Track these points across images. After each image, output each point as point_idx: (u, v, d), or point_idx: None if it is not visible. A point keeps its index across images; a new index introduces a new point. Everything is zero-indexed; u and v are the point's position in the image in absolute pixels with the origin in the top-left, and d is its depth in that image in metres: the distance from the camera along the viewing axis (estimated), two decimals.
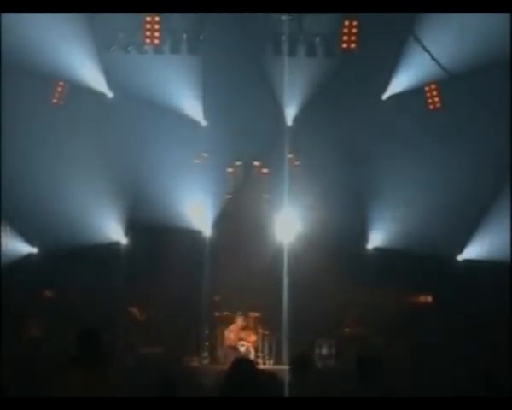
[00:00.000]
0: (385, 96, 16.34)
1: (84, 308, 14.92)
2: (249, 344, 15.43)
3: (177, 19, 14.91)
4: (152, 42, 15.58)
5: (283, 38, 15.22)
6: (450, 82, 15.40)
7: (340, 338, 15.65)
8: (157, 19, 15.19)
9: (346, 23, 15.31)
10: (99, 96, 16.03)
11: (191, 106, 16.51)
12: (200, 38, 15.70)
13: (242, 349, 15.11)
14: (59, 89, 15.86)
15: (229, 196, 17.48)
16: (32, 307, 15.60)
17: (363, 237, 16.95)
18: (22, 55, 14.00)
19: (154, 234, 16.44)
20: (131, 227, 16.79)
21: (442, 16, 13.29)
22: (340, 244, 16.01)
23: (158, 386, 6.41)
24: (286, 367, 13.27)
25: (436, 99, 15.97)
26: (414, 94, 16.05)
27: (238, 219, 16.95)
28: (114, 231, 16.87)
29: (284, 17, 14.50)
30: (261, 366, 13.54)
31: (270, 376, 7.40)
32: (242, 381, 6.07)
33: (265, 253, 16.88)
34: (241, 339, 15.41)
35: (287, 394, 6.86)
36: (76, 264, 15.82)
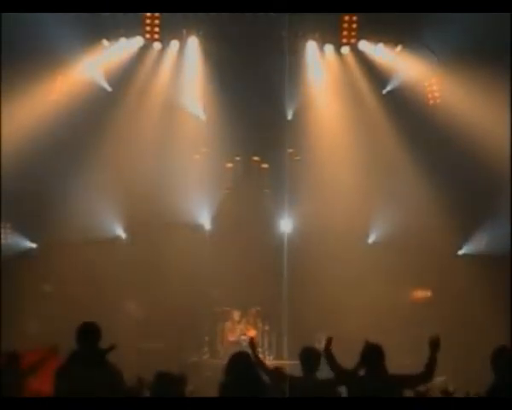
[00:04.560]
0: (385, 91, 16.33)
1: (84, 303, 14.95)
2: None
3: (177, 15, 14.88)
4: (152, 37, 15.60)
5: (283, 33, 15.20)
6: (450, 77, 15.37)
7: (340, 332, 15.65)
8: (157, 14, 15.21)
9: (346, 18, 15.30)
10: (99, 90, 16.01)
11: (191, 101, 16.49)
12: (200, 33, 15.71)
13: (245, 344, 15.08)
14: (59, 84, 15.83)
15: (228, 191, 17.48)
16: (32, 302, 15.61)
17: (363, 231, 16.94)
18: (22, 52, 13.98)
19: (154, 229, 16.45)
20: (131, 222, 16.79)
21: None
22: (340, 239, 16.01)
23: (157, 381, 6.41)
24: (287, 362, 13.35)
25: (436, 94, 15.95)
26: (414, 89, 16.02)
27: (238, 214, 16.95)
28: (114, 226, 16.88)
29: (285, 13, 14.46)
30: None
31: (274, 370, 7.42)
32: (240, 375, 6.08)
33: (265, 248, 16.90)
34: (241, 334, 15.42)
35: (288, 389, 6.86)
36: (75, 259, 15.84)
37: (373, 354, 6.63)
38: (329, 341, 6.99)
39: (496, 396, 5.84)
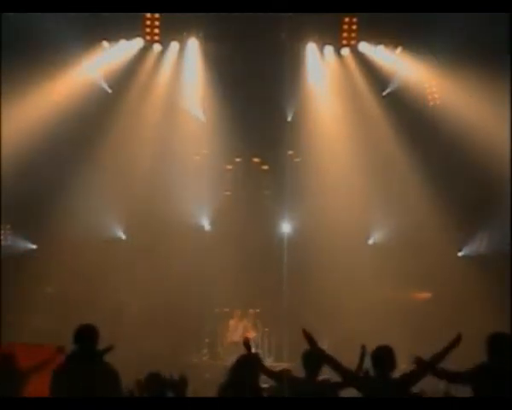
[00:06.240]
0: (385, 93, 16.33)
1: (84, 304, 14.96)
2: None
3: (177, 16, 14.88)
4: (152, 39, 15.61)
5: (283, 34, 15.21)
6: (450, 78, 15.37)
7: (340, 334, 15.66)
8: (157, 16, 15.23)
9: (346, 20, 15.31)
10: (99, 92, 16.02)
11: (191, 102, 16.50)
12: (200, 34, 15.72)
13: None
14: (59, 85, 15.82)
15: (228, 193, 17.48)
16: (32, 302, 15.60)
17: (363, 233, 16.95)
18: (21, 53, 13.99)
19: (154, 230, 16.44)
20: (131, 223, 16.79)
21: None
22: (340, 240, 16.00)
23: (157, 382, 6.42)
24: (286, 364, 13.34)
25: (436, 95, 15.95)
26: (414, 90, 16.03)
27: (238, 215, 16.94)
28: (114, 227, 16.88)
29: (285, 14, 14.47)
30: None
31: (277, 373, 7.40)
32: (247, 377, 6.08)
33: (265, 249, 16.89)
34: (242, 336, 15.41)
35: (290, 391, 6.84)
36: (75, 259, 15.83)
37: (384, 356, 6.59)
38: (308, 337, 6.87)
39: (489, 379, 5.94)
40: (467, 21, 13.16)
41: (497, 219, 15.42)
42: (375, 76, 16.09)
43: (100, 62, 15.84)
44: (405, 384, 6.48)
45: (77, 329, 6.42)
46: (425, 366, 6.46)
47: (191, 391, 7.22)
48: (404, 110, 16.07)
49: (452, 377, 6.53)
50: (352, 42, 15.68)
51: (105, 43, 15.70)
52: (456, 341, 6.48)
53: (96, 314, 12.65)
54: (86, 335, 6.36)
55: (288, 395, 6.75)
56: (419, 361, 6.46)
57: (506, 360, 6.11)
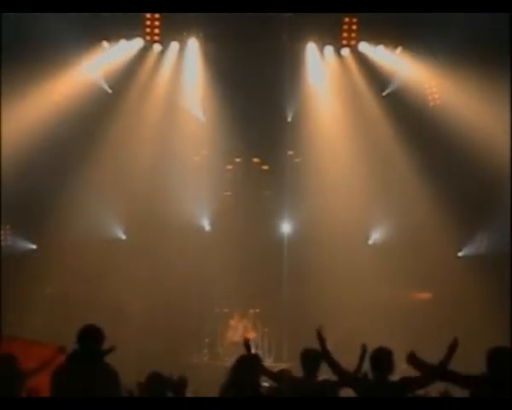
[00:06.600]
0: (385, 93, 16.34)
1: (84, 304, 14.96)
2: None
3: (177, 16, 14.89)
4: (152, 39, 15.62)
5: (283, 35, 15.21)
6: (450, 78, 15.37)
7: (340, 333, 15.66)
8: (157, 16, 15.24)
9: (346, 20, 15.32)
10: (99, 92, 16.02)
11: (191, 102, 16.50)
12: (200, 34, 15.73)
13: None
14: (59, 85, 15.83)
15: (228, 193, 17.48)
16: (32, 302, 15.60)
17: (363, 233, 16.95)
18: (22, 53, 14.00)
19: (154, 230, 16.45)
20: (131, 223, 16.79)
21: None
22: (340, 240, 16.00)
23: (158, 383, 6.42)
24: (285, 364, 13.34)
25: (436, 95, 15.96)
26: (414, 90, 16.03)
27: (238, 215, 16.95)
28: (114, 227, 16.88)
29: (285, 15, 14.48)
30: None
31: (276, 373, 7.40)
32: (247, 377, 6.07)
33: (265, 249, 16.89)
34: (241, 336, 15.41)
35: (288, 390, 6.84)
36: (75, 259, 15.84)
37: (383, 358, 6.57)
38: (320, 335, 6.87)
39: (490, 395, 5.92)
40: (467, 21, 13.17)
41: (497, 219, 15.43)
42: (375, 76, 16.09)
43: (100, 62, 15.84)
44: (404, 388, 6.47)
45: (81, 329, 6.40)
46: (428, 376, 6.43)
47: (191, 391, 7.25)
48: (404, 110, 16.07)
49: (456, 379, 6.48)
50: (352, 42, 15.68)
51: (105, 43, 15.70)
52: (454, 347, 6.44)
53: (96, 314, 12.68)
54: (90, 335, 6.35)
55: (288, 395, 6.75)
56: (412, 359, 6.43)
57: (506, 376, 6.05)
